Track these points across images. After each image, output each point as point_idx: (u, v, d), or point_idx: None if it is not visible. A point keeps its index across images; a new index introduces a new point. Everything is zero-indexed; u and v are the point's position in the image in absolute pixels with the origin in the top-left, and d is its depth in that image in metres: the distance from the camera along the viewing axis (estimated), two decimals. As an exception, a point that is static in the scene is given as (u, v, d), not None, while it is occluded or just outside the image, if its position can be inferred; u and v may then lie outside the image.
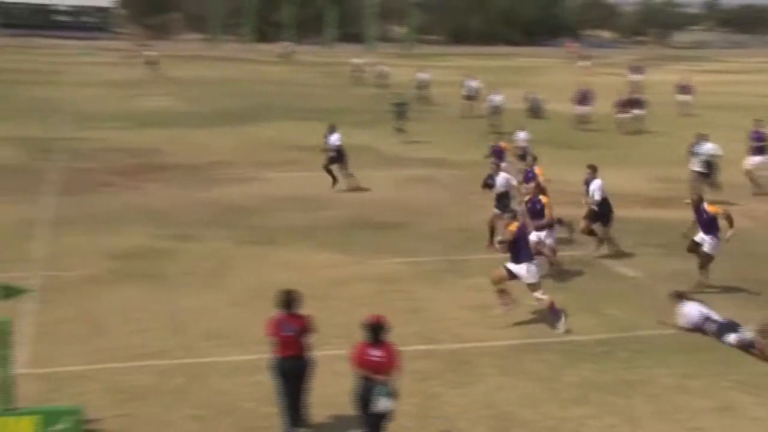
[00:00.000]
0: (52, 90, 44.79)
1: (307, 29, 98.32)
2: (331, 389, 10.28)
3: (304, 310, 9.70)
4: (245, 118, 36.18)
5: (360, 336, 9.11)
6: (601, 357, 12.13)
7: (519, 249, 12.90)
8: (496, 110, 34.20)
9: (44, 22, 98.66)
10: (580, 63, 68.54)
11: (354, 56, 60.07)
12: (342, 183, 22.64)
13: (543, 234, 15.22)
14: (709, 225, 14.85)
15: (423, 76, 45.56)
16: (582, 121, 35.43)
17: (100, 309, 13.54)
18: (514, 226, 12.99)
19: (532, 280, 12.93)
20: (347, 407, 9.39)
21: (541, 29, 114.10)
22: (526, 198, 15.82)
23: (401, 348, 9.23)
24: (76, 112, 37.04)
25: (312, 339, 9.63)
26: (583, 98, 36.22)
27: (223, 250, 16.91)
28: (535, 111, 38.70)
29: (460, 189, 22.58)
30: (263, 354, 10.31)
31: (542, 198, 15.42)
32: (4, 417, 9.26)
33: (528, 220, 14.90)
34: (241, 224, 18.89)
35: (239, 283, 14.95)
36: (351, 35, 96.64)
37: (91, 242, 17.14)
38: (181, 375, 11.29)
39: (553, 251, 15.57)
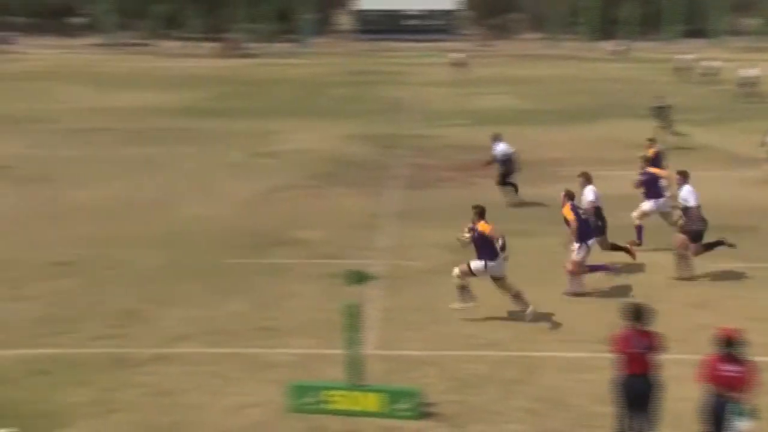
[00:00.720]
0: (398, 90, 47.40)
1: (649, 25, 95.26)
2: (672, 394, 9.95)
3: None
4: (583, 115, 35.92)
5: (698, 340, 8.78)
6: None
7: (482, 248, 13.13)
8: None
9: (395, 26, 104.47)
10: None
11: (686, 52, 57.29)
12: (508, 195, 20.99)
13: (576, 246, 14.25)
14: None
15: (748, 72, 42.30)
16: None
17: (439, 298, 14.18)
18: (486, 228, 13.13)
19: (497, 274, 13.21)
20: (688, 414, 9.08)
21: None
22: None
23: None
24: (419, 110, 38.95)
25: (660, 357, 9.14)
26: None
27: (556, 246, 16.95)
28: None
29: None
30: (594, 353, 10.30)
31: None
32: (354, 392, 10.11)
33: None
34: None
35: (572, 281, 14.97)
36: (696, 30, 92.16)
37: (431, 234, 17.97)
38: (513, 367, 11.57)
39: (578, 267, 14.25)
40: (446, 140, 30.52)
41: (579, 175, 16.14)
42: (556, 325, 13.01)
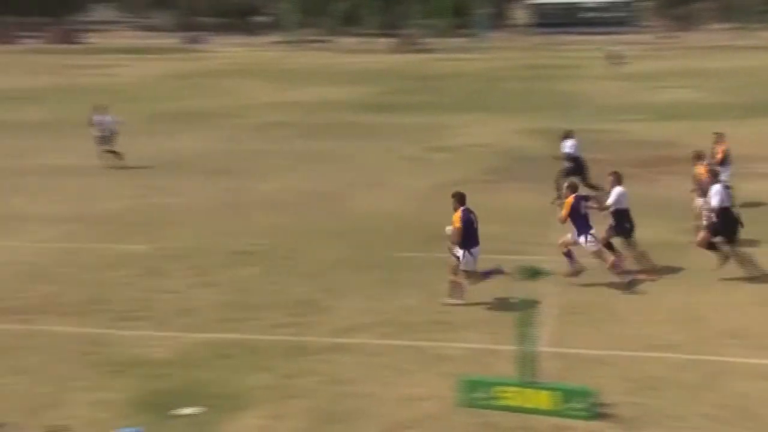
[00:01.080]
0: (573, 84, 46.51)
1: None
2: None
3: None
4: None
5: None
6: None
7: (467, 237, 13.14)
8: None
9: (573, 19, 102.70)
10: None
11: None
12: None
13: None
14: None
15: None
16: None
17: (614, 296, 13.84)
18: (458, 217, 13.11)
19: (464, 268, 13.28)
20: None
21: None
22: None
23: None
24: (594, 104, 38.05)
25: None
26: None
27: (748, 246, 16.15)
28: None
29: None
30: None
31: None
32: (526, 389, 10.00)
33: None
34: (762, 221, 17.86)
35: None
36: None
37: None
38: (695, 371, 11.12)
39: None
40: (622, 135, 29.70)
41: (609, 174, 15.56)
42: (741, 330, 12.39)
